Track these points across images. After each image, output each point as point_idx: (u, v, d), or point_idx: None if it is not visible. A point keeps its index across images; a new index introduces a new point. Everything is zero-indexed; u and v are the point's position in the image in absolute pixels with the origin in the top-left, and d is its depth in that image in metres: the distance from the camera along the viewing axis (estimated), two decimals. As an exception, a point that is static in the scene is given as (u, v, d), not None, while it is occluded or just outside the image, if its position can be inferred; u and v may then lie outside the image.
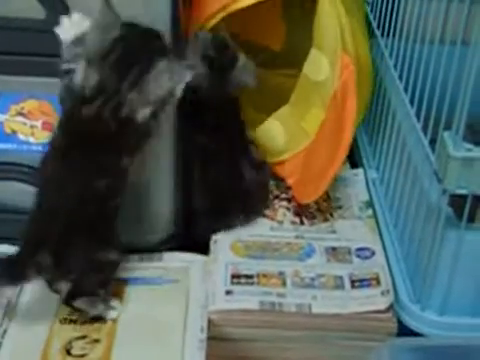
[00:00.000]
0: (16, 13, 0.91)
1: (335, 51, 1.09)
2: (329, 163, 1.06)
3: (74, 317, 0.94)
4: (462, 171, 0.85)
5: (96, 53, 0.87)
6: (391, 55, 1.16)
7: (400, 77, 1.09)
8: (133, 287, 0.99)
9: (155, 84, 0.87)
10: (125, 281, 0.99)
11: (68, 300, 0.93)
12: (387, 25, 1.21)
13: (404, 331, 0.96)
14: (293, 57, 1.23)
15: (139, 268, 1.02)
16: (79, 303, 0.92)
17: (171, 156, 1.02)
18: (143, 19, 0.89)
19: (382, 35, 1.24)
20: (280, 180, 1.20)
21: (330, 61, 1.10)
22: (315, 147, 1.14)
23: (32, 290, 0.97)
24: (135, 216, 1.03)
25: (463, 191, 0.86)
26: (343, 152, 1.05)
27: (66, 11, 0.90)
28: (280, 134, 1.18)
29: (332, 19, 1.09)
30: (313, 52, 1.13)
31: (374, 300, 0.97)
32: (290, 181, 1.19)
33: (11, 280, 0.90)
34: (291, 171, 1.19)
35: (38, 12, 0.90)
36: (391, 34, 1.18)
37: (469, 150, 0.85)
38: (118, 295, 0.96)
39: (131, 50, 0.88)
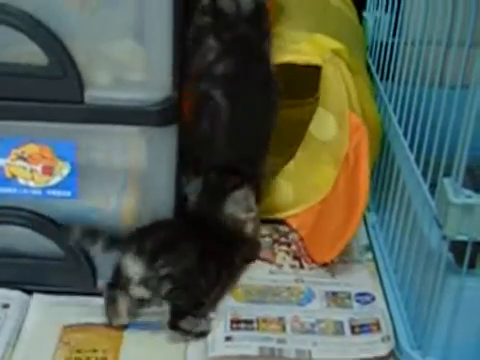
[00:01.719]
0: (19, 59, 0.92)
1: (342, 111, 1.11)
2: (345, 224, 1.07)
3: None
4: (462, 218, 0.85)
5: None
6: (390, 99, 1.17)
7: (399, 121, 1.10)
8: (132, 332, 0.98)
9: None
10: (124, 326, 0.99)
11: (173, 324, 0.96)
12: (386, 69, 1.22)
13: (405, 378, 0.96)
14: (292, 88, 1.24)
15: (138, 313, 1.01)
16: (184, 324, 0.96)
17: (171, 202, 1.02)
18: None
19: (381, 79, 1.25)
20: (278, 223, 1.21)
21: (338, 121, 1.12)
22: (329, 206, 1.15)
23: (32, 330, 0.98)
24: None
25: (463, 237, 0.86)
26: (359, 215, 1.06)
27: (69, 58, 0.91)
28: (288, 191, 1.19)
29: (337, 81, 1.11)
30: (320, 111, 1.15)
31: (375, 346, 0.96)
32: (302, 233, 1.19)
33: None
34: (303, 223, 1.19)
35: (41, 59, 0.91)
36: (390, 78, 1.19)
37: (469, 197, 0.84)
38: (117, 340, 0.96)
39: None
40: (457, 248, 0.89)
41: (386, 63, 1.22)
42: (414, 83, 1.05)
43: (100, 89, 0.93)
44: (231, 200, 1.05)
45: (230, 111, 1.05)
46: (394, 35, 1.21)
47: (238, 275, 1.08)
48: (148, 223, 1.00)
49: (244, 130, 1.06)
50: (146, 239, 0.98)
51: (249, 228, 1.08)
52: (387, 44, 1.24)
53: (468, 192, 0.85)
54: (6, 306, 1.01)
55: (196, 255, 0.98)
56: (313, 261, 1.13)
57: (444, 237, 0.87)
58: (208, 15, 1.07)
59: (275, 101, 1.09)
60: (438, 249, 0.89)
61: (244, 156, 1.07)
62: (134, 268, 0.96)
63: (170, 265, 0.96)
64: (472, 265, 0.90)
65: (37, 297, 1.04)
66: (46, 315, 1.01)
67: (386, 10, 1.29)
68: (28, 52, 0.91)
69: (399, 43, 1.16)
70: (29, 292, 1.04)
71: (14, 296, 1.03)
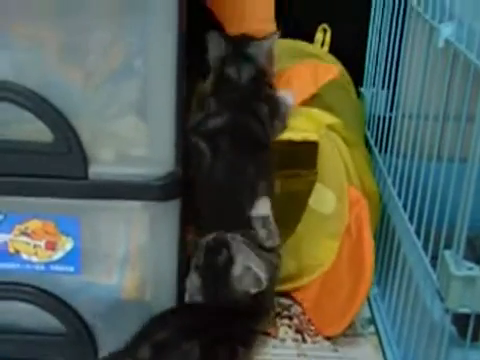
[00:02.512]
0: (24, 136, 0.93)
1: (341, 186, 1.14)
2: (352, 296, 1.08)
3: None
4: (464, 290, 0.85)
5: None
6: (389, 172, 1.18)
7: (399, 194, 1.11)
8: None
9: None
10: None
11: None
12: (384, 142, 1.24)
13: None
14: (292, 161, 1.25)
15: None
16: None
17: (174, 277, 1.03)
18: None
19: (380, 152, 1.27)
20: (279, 296, 1.21)
21: (337, 195, 1.14)
22: (332, 278, 1.16)
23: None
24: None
25: (466, 310, 0.86)
26: (366, 287, 1.08)
27: (73, 134, 0.92)
28: (290, 264, 1.19)
29: (334, 157, 1.14)
30: (318, 186, 1.17)
31: None
32: (306, 305, 1.19)
33: None
34: (307, 296, 1.19)
35: (46, 135, 0.92)
36: (389, 151, 1.21)
37: (470, 269, 0.85)
38: None
39: None
40: (460, 321, 0.89)
41: (384, 136, 1.24)
42: (412, 156, 1.07)
43: (104, 165, 0.95)
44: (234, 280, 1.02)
45: (214, 162, 1.08)
46: (391, 109, 1.23)
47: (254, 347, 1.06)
48: (148, 321, 0.99)
49: (228, 182, 1.08)
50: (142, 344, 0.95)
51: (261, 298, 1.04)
52: (385, 118, 1.26)
53: (469, 264, 0.85)
54: (7, 383, 1.00)
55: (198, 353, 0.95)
56: (320, 333, 1.13)
57: (447, 310, 0.87)
58: (214, 79, 1.14)
59: (267, 161, 1.11)
60: (441, 322, 0.89)
61: (232, 210, 1.07)
62: None
63: None
64: (475, 338, 0.90)
65: (38, 373, 1.03)
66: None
67: (383, 86, 1.31)
68: (33, 129, 0.93)
69: (396, 117, 1.18)
70: (29, 368, 1.04)
71: (14, 373, 1.02)
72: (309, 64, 1.23)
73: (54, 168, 0.93)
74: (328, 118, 1.14)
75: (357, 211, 1.11)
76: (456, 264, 0.85)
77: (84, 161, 0.93)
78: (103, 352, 1.03)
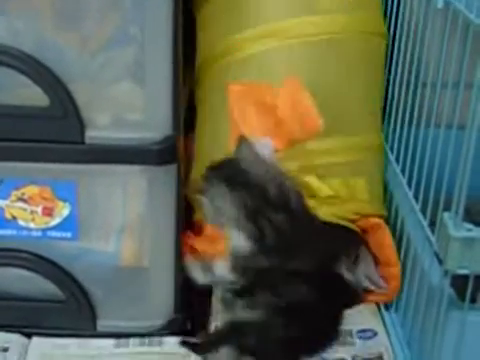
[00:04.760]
0: (19, 100, 0.93)
1: None
2: None
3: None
4: (463, 251, 0.85)
5: None
6: (387, 139, 1.18)
7: (397, 160, 1.11)
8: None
9: None
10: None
11: None
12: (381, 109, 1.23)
13: None
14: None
15: (140, 353, 1.00)
16: None
17: (172, 242, 1.02)
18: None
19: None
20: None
21: None
22: None
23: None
24: (136, 300, 1.04)
25: (464, 271, 0.86)
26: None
27: (70, 99, 0.91)
28: None
29: None
30: None
31: (378, 381, 0.96)
32: None
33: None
34: None
35: (42, 100, 0.91)
36: (386, 117, 1.20)
37: (469, 230, 0.85)
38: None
39: None
40: (458, 284, 0.89)
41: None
42: (410, 123, 1.06)
43: (100, 129, 0.94)
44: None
45: None
46: (389, 73, 1.22)
47: None
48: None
49: None
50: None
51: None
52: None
53: (468, 226, 0.85)
54: (5, 350, 1.00)
55: None
56: None
57: (445, 272, 0.87)
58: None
59: None
60: (439, 285, 0.89)
61: None
62: None
63: None
64: (473, 300, 0.90)
65: (36, 340, 1.03)
66: (46, 358, 1.00)
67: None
68: (29, 93, 0.92)
69: (394, 83, 1.17)
70: (28, 335, 1.03)
71: (13, 339, 1.02)
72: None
73: (50, 132, 0.93)
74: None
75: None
76: (455, 225, 0.85)
77: (80, 125, 0.93)
78: (102, 320, 1.04)
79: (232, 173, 0.94)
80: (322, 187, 1.08)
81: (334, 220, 1.06)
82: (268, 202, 0.92)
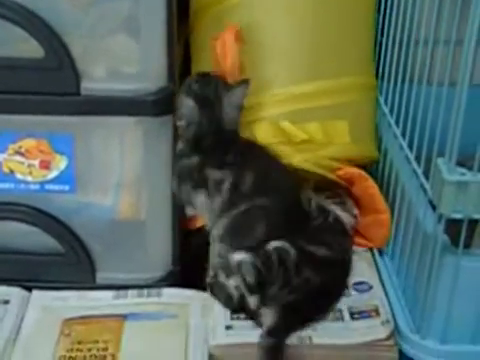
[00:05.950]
0: (15, 53, 0.93)
1: None
2: None
3: (73, 354, 0.93)
4: (457, 195, 0.86)
5: None
6: (381, 92, 1.19)
7: (391, 111, 1.12)
8: (132, 323, 0.98)
9: None
10: (124, 317, 0.99)
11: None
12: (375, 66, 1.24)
13: (406, 361, 0.97)
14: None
15: (138, 304, 1.02)
16: None
17: (169, 195, 1.03)
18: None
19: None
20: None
21: None
22: None
23: (32, 325, 0.98)
24: (135, 253, 1.04)
25: (458, 215, 0.87)
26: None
27: (65, 50, 0.92)
28: None
29: None
30: None
31: (375, 330, 0.97)
32: None
33: None
34: None
35: (37, 51, 0.91)
36: (380, 73, 1.20)
37: (463, 174, 0.86)
38: (117, 330, 0.96)
39: None
40: (452, 230, 0.90)
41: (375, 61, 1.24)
42: (403, 80, 1.07)
43: (96, 81, 0.94)
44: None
45: None
46: (382, 35, 1.22)
47: None
48: None
49: None
50: None
51: None
52: (375, 43, 1.25)
53: (462, 170, 0.86)
54: (6, 302, 1.01)
55: None
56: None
57: (439, 218, 0.88)
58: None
59: None
60: (433, 232, 0.90)
61: None
62: None
63: None
64: (467, 245, 0.91)
65: (36, 293, 1.04)
66: (46, 310, 1.01)
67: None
68: (25, 46, 0.92)
69: (387, 42, 1.18)
70: (28, 288, 1.04)
71: (13, 292, 1.03)
72: None
73: (46, 84, 0.93)
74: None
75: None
76: (449, 170, 0.86)
77: (76, 77, 0.93)
78: (101, 272, 1.05)
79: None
80: (296, 132, 1.08)
81: (310, 168, 1.08)
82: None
